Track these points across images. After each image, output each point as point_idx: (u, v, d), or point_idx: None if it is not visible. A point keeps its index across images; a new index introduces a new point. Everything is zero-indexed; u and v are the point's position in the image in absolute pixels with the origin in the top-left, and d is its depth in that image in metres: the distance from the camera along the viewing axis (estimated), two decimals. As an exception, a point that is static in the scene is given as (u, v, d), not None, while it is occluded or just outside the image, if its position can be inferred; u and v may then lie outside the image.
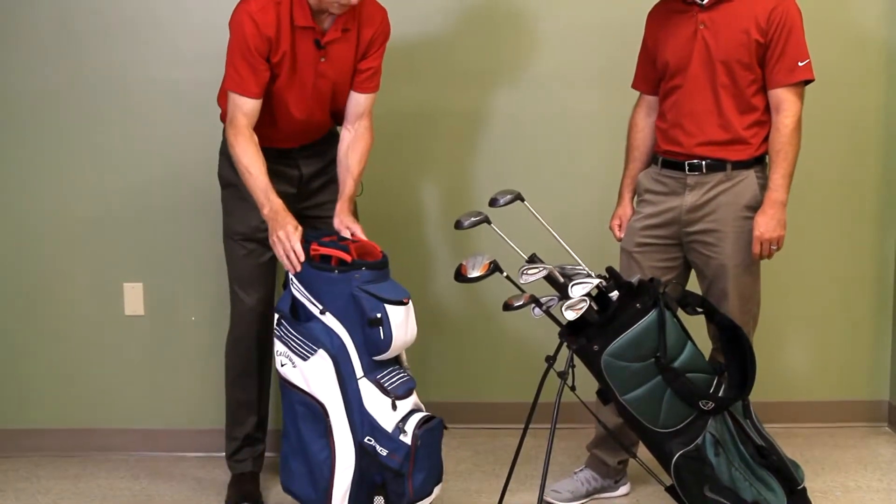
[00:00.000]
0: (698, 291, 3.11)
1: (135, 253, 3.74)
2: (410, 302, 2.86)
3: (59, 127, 3.69)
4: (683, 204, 3.09)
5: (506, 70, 3.80)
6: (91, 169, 3.71)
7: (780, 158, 3.00)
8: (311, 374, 2.82)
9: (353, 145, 3.17)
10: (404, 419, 2.82)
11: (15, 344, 3.79)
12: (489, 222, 2.91)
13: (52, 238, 3.74)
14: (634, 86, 3.29)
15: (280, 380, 2.94)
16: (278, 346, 2.91)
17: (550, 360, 2.86)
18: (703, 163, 3.07)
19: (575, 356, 2.83)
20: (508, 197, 2.94)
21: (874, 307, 3.94)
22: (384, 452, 2.79)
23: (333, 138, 3.30)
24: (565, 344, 2.84)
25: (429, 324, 3.24)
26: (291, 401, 2.89)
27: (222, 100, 3.19)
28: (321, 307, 2.83)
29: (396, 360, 2.93)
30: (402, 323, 2.81)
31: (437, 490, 2.93)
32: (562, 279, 2.83)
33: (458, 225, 2.92)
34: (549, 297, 2.84)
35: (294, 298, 2.90)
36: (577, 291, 2.74)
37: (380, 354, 2.82)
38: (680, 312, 2.87)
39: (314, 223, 3.17)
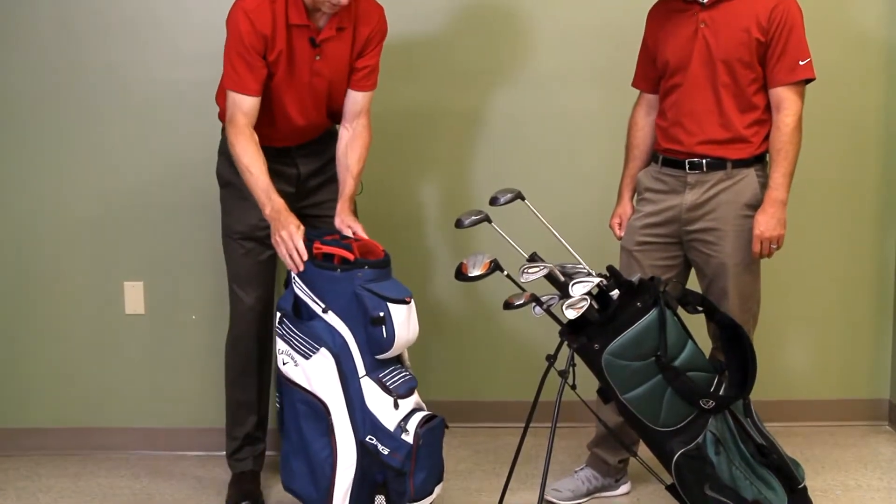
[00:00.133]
0: (698, 290, 3.11)
1: (135, 252, 3.74)
2: (413, 301, 2.86)
3: (60, 127, 3.70)
4: (683, 202, 3.09)
5: (506, 69, 3.80)
6: (91, 168, 3.71)
7: (781, 157, 3.00)
8: (313, 373, 2.83)
9: (351, 144, 3.17)
10: (406, 418, 2.82)
11: (15, 343, 3.79)
12: (490, 221, 2.91)
13: (52, 237, 3.74)
14: (634, 84, 3.30)
15: (281, 378, 2.93)
16: (280, 345, 2.91)
17: (551, 358, 2.86)
18: (704, 161, 3.07)
19: (576, 355, 2.83)
20: (509, 196, 2.94)
21: (874, 306, 3.94)
22: (386, 451, 2.79)
23: (331, 137, 3.30)
24: (566, 343, 2.84)
25: (429, 323, 3.24)
26: (293, 399, 2.89)
27: (220, 99, 3.19)
28: (323, 306, 2.83)
29: (398, 359, 2.93)
30: (404, 322, 2.81)
31: (438, 489, 2.93)
32: (562, 278, 2.83)
33: (458, 224, 2.92)
34: (550, 296, 2.84)
35: (296, 297, 2.90)
36: (578, 290, 2.74)
37: (382, 353, 2.83)
38: (680, 311, 2.87)
39: (313, 222, 3.17)
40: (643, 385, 2.77)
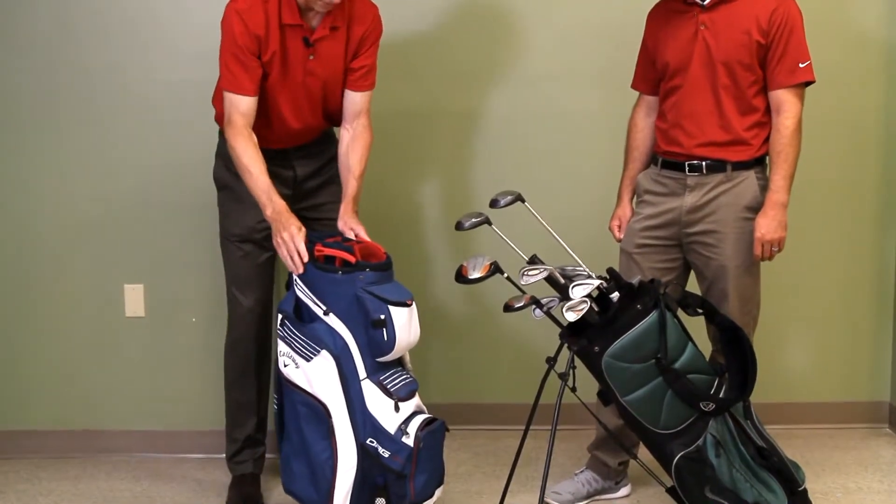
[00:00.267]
0: (697, 292, 3.11)
1: (135, 254, 3.74)
2: (414, 303, 2.86)
3: (61, 129, 3.69)
4: (683, 205, 3.09)
5: (505, 70, 3.80)
6: (92, 170, 3.71)
7: (781, 160, 3.00)
8: (314, 375, 2.82)
9: (352, 145, 3.16)
10: (406, 421, 2.82)
11: (16, 345, 3.79)
12: (490, 223, 2.91)
13: (53, 239, 3.74)
14: (634, 86, 3.29)
15: (282, 380, 2.93)
16: (281, 347, 2.91)
17: (551, 361, 2.86)
18: (704, 163, 3.07)
19: (576, 357, 2.83)
20: (509, 198, 2.94)
21: (875, 308, 3.94)
22: (386, 454, 2.79)
23: (329, 139, 3.30)
24: (566, 345, 2.84)
25: (429, 325, 3.24)
26: (294, 401, 2.88)
27: (217, 102, 3.19)
28: (325, 308, 2.83)
29: (399, 362, 2.93)
30: (405, 324, 2.81)
31: (438, 492, 2.93)
32: (562, 280, 2.83)
33: (458, 226, 2.91)
34: (550, 299, 2.84)
35: (298, 299, 2.90)
36: (578, 292, 2.73)
37: (383, 356, 2.82)
38: (680, 313, 2.87)
39: (312, 225, 3.16)
40: (643, 387, 2.77)
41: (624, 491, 3.37)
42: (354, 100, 3.17)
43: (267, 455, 3.48)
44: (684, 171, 3.09)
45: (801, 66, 2.99)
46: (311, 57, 3.06)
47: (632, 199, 3.29)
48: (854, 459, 3.66)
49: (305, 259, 2.88)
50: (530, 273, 2.81)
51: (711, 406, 2.79)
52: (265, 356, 3.38)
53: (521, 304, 2.78)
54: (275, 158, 3.12)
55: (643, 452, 3.05)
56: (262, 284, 3.30)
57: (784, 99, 3.01)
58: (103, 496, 3.46)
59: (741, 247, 3.06)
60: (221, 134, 3.25)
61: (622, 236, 3.25)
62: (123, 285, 3.74)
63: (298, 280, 2.89)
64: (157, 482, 3.56)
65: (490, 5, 3.78)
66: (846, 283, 3.93)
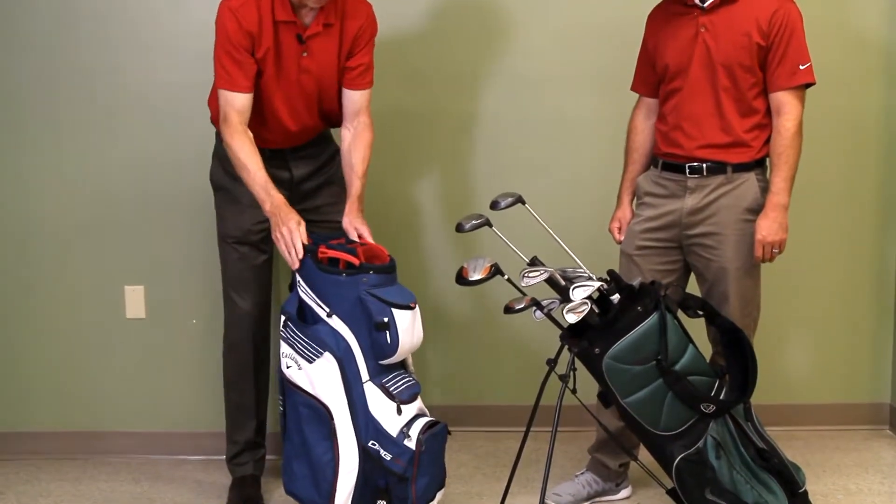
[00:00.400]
0: (698, 294, 3.11)
1: (136, 256, 3.74)
2: (417, 306, 2.86)
3: (61, 129, 3.70)
4: (684, 207, 3.09)
5: (506, 72, 3.80)
6: (93, 172, 3.71)
7: (782, 162, 3.00)
8: (317, 377, 2.82)
9: (354, 144, 3.16)
10: (409, 424, 2.82)
11: (16, 347, 3.79)
12: (490, 225, 2.92)
13: (53, 241, 3.74)
14: (634, 88, 3.29)
15: (284, 381, 2.92)
16: (284, 348, 2.90)
17: (552, 363, 2.86)
18: (704, 165, 3.07)
19: (576, 359, 2.83)
20: (509, 200, 2.95)
21: (875, 310, 3.94)
22: (388, 457, 2.78)
23: (326, 141, 3.30)
24: (566, 347, 2.84)
25: (430, 327, 3.23)
26: (296, 403, 2.88)
27: (212, 102, 3.19)
28: (328, 310, 2.82)
29: (402, 364, 2.92)
30: (408, 327, 2.81)
31: (439, 495, 2.93)
32: (563, 282, 2.83)
33: (459, 228, 2.92)
34: (551, 300, 2.85)
35: (301, 300, 2.89)
36: (579, 294, 2.74)
37: (386, 358, 2.82)
38: (680, 315, 2.87)
39: (311, 227, 3.14)
40: (644, 389, 2.77)
41: (624, 493, 3.37)
42: (353, 98, 3.17)
43: (267, 457, 3.48)
44: (685, 173, 3.09)
45: (801, 67, 2.99)
46: (305, 54, 3.05)
47: (632, 200, 3.29)
48: (854, 461, 3.66)
49: (300, 255, 2.87)
50: (531, 275, 2.81)
51: (712, 408, 2.79)
52: (263, 359, 3.38)
53: (522, 305, 2.79)
54: (271, 160, 3.11)
55: (643, 454, 3.05)
56: (260, 287, 3.29)
57: (784, 101, 3.01)
58: (103, 497, 3.46)
59: (742, 249, 3.06)
60: (218, 135, 3.25)
61: (622, 238, 3.25)
62: (124, 287, 3.74)
63: (302, 281, 2.88)
64: (157, 483, 3.56)
65: (490, 7, 3.78)
66: (846, 284, 3.93)
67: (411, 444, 2.79)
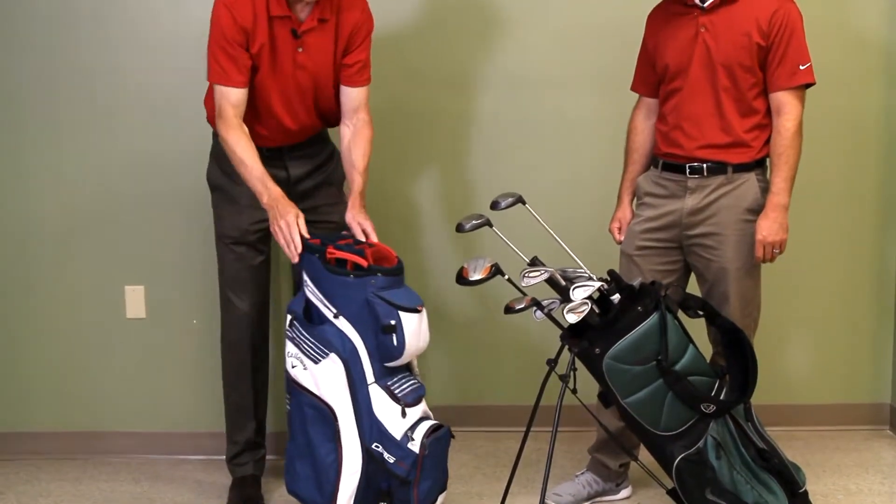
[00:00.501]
0: (698, 294, 3.11)
1: (136, 256, 3.74)
2: (424, 309, 2.85)
3: (61, 130, 3.70)
4: (684, 207, 3.09)
5: (506, 72, 3.80)
6: (93, 172, 3.71)
7: (782, 162, 3.00)
8: (322, 378, 2.81)
9: (354, 140, 3.15)
10: (413, 427, 2.80)
11: (16, 347, 3.78)
12: (490, 225, 2.92)
13: (53, 241, 3.74)
14: (633, 88, 3.29)
15: (289, 381, 2.92)
16: (289, 348, 2.89)
17: (552, 363, 2.86)
18: (704, 166, 3.07)
19: (576, 359, 2.83)
20: (510, 200, 2.95)
21: (875, 310, 3.94)
22: (391, 459, 2.77)
23: (323, 141, 3.29)
24: (567, 347, 2.84)
25: (430, 327, 3.22)
26: (300, 403, 2.86)
27: (208, 102, 3.19)
28: (335, 311, 2.81)
29: (407, 367, 2.91)
30: (415, 330, 2.79)
31: (441, 498, 2.92)
32: (563, 282, 2.83)
33: (459, 228, 2.92)
34: (551, 300, 2.85)
35: (308, 300, 2.88)
36: (579, 294, 2.74)
37: (392, 361, 2.81)
38: (681, 315, 2.87)
39: (309, 227, 3.14)
40: (644, 389, 2.77)
41: (625, 493, 3.37)
42: (352, 95, 3.17)
43: (268, 457, 3.48)
44: (685, 173, 3.09)
45: (801, 68, 2.99)
46: (300, 49, 3.05)
47: (632, 201, 3.29)
48: (855, 461, 3.66)
49: (299, 249, 2.86)
50: (531, 275, 2.81)
51: (712, 408, 2.79)
52: (262, 360, 3.38)
53: (522, 305, 2.79)
54: (268, 158, 3.09)
55: (644, 454, 3.05)
56: (257, 287, 3.29)
57: (784, 101, 3.01)
58: (103, 497, 3.46)
59: (742, 249, 3.06)
60: (216, 135, 3.25)
61: (622, 238, 3.25)
62: (124, 287, 3.74)
63: (309, 281, 2.87)
64: (157, 483, 3.56)
65: (490, 7, 3.78)
66: (847, 284, 3.93)
67: (415, 447, 2.78)
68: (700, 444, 2.80)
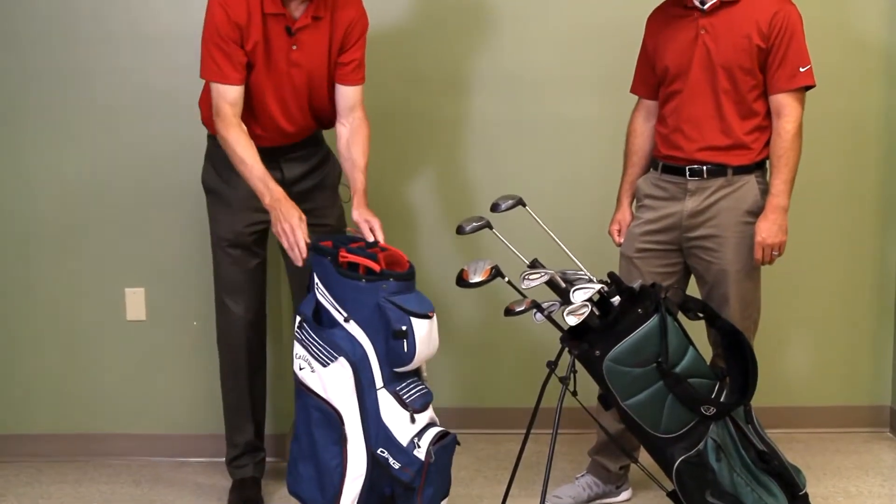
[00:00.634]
0: (698, 296, 3.11)
1: (136, 258, 3.74)
2: (435, 315, 2.83)
3: (62, 131, 3.70)
4: (684, 209, 3.09)
5: (506, 74, 3.81)
6: (93, 173, 3.71)
7: (782, 164, 3.00)
8: (330, 381, 2.78)
9: (352, 139, 3.14)
10: (419, 433, 2.78)
11: (17, 349, 3.79)
12: (491, 227, 2.92)
13: (53, 243, 3.74)
14: (633, 90, 3.30)
15: (296, 383, 2.91)
16: (298, 350, 2.87)
17: (552, 365, 2.86)
18: (704, 168, 3.07)
19: (577, 361, 2.83)
20: (510, 202, 2.95)
21: (875, 312, 3.94)
22: (396, 465, 2.75)
23: (317, 142, 3.29)
24: (567, 349, 2.84)
25: (431, 329, 3.25)
26: (307, 405, 2.84)
27: (203, 103, 3.19)
28: (345, 315, 2.78)
29: (416, 372, 2.88)
30: (426, 336, 2.76)
31: (443, 504, 2.92)
32: (563, 284, 2.83)
33: (459, 230, 2.92)
34: (551, 303, 2.85)
35: (318, 303, 2.87)
36: (579, 296, 2.74)
37: (402, 366, 2.78)
38: (681, 317, 2.87)
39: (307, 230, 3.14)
40: (644, 391, 2.77)
41: (625, 495, 3.37)
42: (347, 94, 3.16)
43: (267, 459, 3.48)
44: (685, 175, 3.09)
45: (801, 70, 3.00)
46: (294, 47, 3.04)
47: (631, 203, 3.29)
48: (855, 463, 3.66)
49: (304, 254, 2.85)
50: (531, 277, 2.81)
51: (712, 410, 2.79)
52: (259, 364, 3.38)
53: (522, 307, 2.79)
54: (263, 159, 3.06)
55: (644, 456, 3.05)
56: (253, 291, 3.29)
57: (784, 103, 3.01)
58: (104, 499, 3.46)
59: (742, 251, 3.06)
60: (210, 137, 3.25)
61: (622, 241, 3.25)
62: (124, 289, 3.74)
63: (320, 283, 2.85)
64: (157, 486, 3.56)
65: (490, 8, 3.79)
66: (847, 286, 3.93)
67: (421, 454, 2.76)
68: (700, 446, 2.80)
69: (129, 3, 3.67)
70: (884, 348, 3.94)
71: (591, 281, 2.82)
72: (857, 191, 3.88)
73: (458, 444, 2.89)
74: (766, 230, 3.00)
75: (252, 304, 3.29)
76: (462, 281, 2.83)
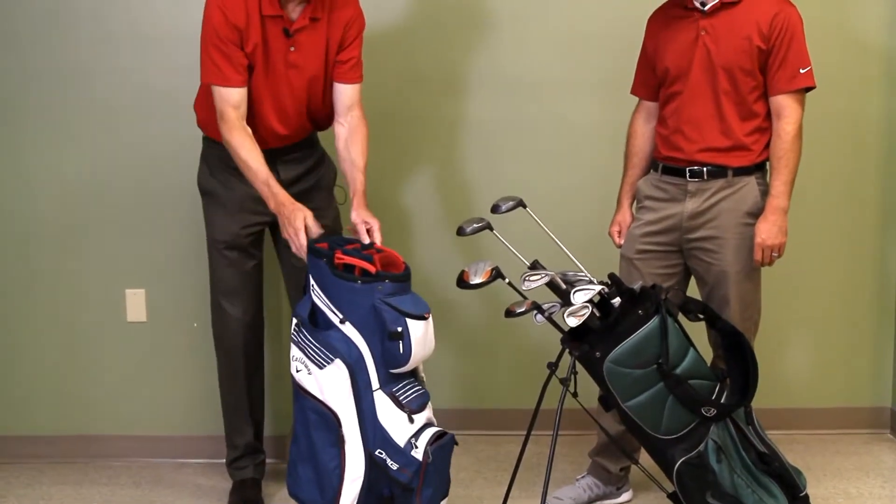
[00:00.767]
0: (698, 298, 3.11)
1: (137, 260, 3.74)
2: (430, 316, 2.84)
3: (62, 133, 3.69)
4: (684, 211, 3.09)
5: (506, 76, 3.81)
6: (94, 174, 3.71)
7: (782, 165, 3.00)
8: (327, 383, 2.79)
9: (351, 138, 3.14)
10: (417, 434, 2.78)
11: (17, 350, 3.78)
12: (491, 229, 2.92)
13: (54, 244, 3.74)
14: (633, 92, 3.30)
15: (294, 385, 2.91)
16: (294, 352, 2.87)
17: (552, 366, 2.86)
18: (704, 169, 3.07)
19: (577, 363, 2.83)
20: (510, 203, 2.95)
21: (876, 313, 3.94)
22: (395, 466, 2.76)
23: (313, 144, 3.29)
24: (567, 350, 2.84)
25: (431, 330, 3.25)
26: (304, 407, 2.85)
27: (198, 106, 3.19)
28: (341, 316, 2.79)
29: (413, 373, 2.88)
30: (421, 337, 2.77)
31: (443, 504, 2.92)
32: (564, 286, 2.83)
33: (460, 231, 2.92)
34: (552, 304, 2.84)
35: (314, 305, 2.87)
36: (580, 298, 2.74)
37: (398, 367, 2.78)
38: (681, 319, 2.87)
39: None
40: (645, 393, 2.77)
41: (625, 496, 3.36)
42: (346, 92, 3.16)
43: (267, 460, 3.48)
44: (685, 176, 3.09)
45: (801, 71, 3.00)
46: (292, 48, 3.04)
47: (632, 204, 3.29)
48: (855, 465, 3.66)
49: (303, 255, 2.86)
50: (532, 278, 2.81)
51: (713, 411, 2.79)
52: (257, 366, 3.38)
53: (523, 309, 2.78)
54: None
55: (644, 458, 3.05)
56: (250, 293, 3.29)
57: (785, 104, 3.01)
58: (104, 501, 3.46)
59: (742, 252, 3.06)
60: (205, 139, 3.25)
61: (622, 242, 3.25)
62: (125, 290, 3.74)
63: (316, 285, 2.86)
64: (157, 487, 3.56)
65: (489, 9, 3.79)
66: (847, 287, 3.93)
67: (419, 454, 2.76)
68: (701, 447, 2.80)
69: (129, 3, 3.67)
70: (884, 349, 3.94)
71: (591, 282, 2.82)
72: (858, 192, 3.88)
73: (456, 443, 2.89)
74: (766, 231, 3.01)
75: (249, 306, 3.30)
76: (463, 282, 2.84)
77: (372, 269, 2.79)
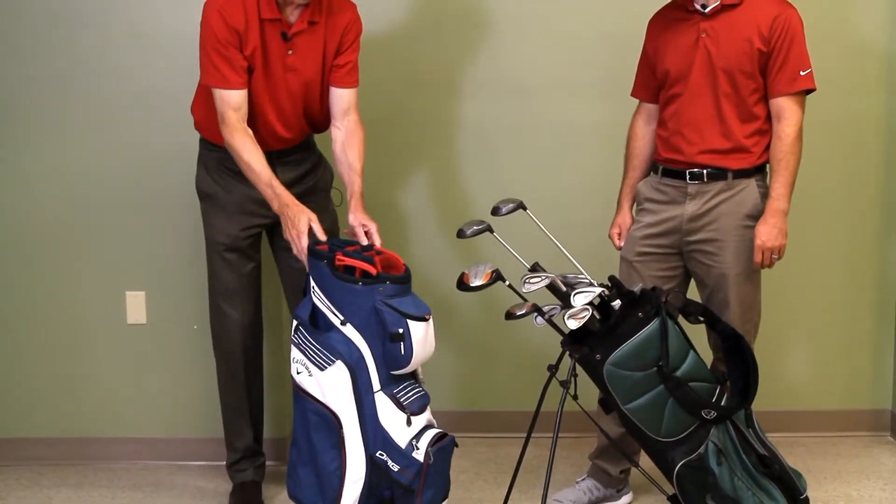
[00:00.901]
0: (698, 300, 3.11)
1: (137, 262, 3.74)
2: (431, 318, 2.84)
3: (62, 134, 3.69)
4: (684, 213, 3.09)
5: (506, 78, 3.81)
6: (94, 176, 3.70)
7: (782, 167, 3.00)
8: (327, 385, 2.79)
9: (348, 142, 3.14)
10: (417, 436, 2.78)
11: (17, 352, 3.78)
12: (491, 231, 2.92)
13: (54, 246, 3.73)
14: (634, 94, 3.30)
15: (294, 387, 2.91)
16: (295, 353, 2.87)
17: (553, 368, 2.86)
18: (705, 171, 3.07)
19: (577, 365, 2.83)
20: (511, 206, 2.95)
21: (876, 315, 3.93)
22: (395, 468, 2.76)
23: (310, 147, 3.29)
24: (567, 353, 2.84)
25: (431, 332, 3.24)
26: (305, 409, 2.84)
27: (196, 108, 3.19)
28: (342, 318, 2.79)
29: (413, 375, 2.88)
30: (422, 339, 2.76)
31: (443, 506, 2.92)
32: (564, 288, 2.83)
33: (460, 234, 2.92)
34: (552, 306, 2.84)
35: (314, 306, 2.87)
36: (580, 300, 2.74)
37: (399, 369, 2.78)
38: (681, 321, 2.87)
39: None
40: (645, 395, 2.77)
41: (625, 499, 3.36)
42: (343, 96, 3.16)
43: (267, 463, 3.48)
44: (685, 179, 3.09)
45: (801, 73, 3.00)
46: (290, 52, 3.05)
47: (632, 206, 3.29)
48: (856, 467, 3.66)
49: (303, 257, 2.87)
50: (532, 281, 2.81)
51: (713, 414, 2.79)
52: (256, 368, 3.37)
53: (523, 311, 2.79)
54: None
55: (645, 460, 3.04)
56: (249, 296, 3.29)
57: (785, 107, 3.01)
58: (104, 503, 3.46)
59: (742, 255, 3.06)
60: (202, 142, 3.26)
61: (622, 244, 3.25)
62: (125, 292, 3.74)
63: (316, 287, 2.86)
64: (157, 489, 3.56)
65: (490, 13, 3.79)
66: (847, 290, 3.92)
67: (419, 456, 2.76)
68: (701, 450, 2.80)
69: (129, 3, 3.67)
70: (884, 352, 3.94)
71: (591, 284, 2.82)
72: (858, 195, 3.88)
73: (457, 445, 2.89)
74: (766, 234, 3.01)
75: (248, 308, 3.30)
76: (463, 284, 2.84)
77: (373, 270, 2.79)
